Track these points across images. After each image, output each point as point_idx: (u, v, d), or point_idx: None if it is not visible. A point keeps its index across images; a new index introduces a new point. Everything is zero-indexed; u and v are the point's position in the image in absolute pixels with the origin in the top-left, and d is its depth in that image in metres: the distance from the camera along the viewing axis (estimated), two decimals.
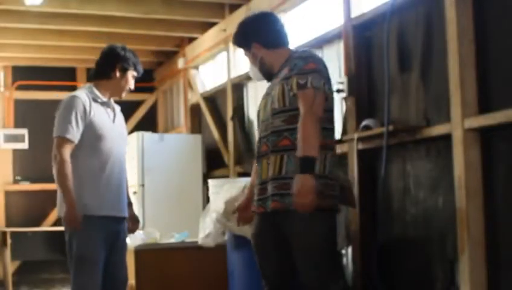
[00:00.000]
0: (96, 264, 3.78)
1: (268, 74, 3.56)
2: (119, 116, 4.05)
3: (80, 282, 3.79)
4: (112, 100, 4.02)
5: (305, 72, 3.28)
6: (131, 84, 4.01)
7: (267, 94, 3.50)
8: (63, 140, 3.75)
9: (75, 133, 3.76)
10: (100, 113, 3.87)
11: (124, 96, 4.03)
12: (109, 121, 3.92)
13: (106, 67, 3.95)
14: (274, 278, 3.41)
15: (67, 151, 3.75)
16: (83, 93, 3.87)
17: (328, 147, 3.33)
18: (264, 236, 3.41)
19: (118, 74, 3.94)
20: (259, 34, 3.53)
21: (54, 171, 3.77)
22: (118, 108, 4.07)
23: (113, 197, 3.89)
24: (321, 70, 3.32)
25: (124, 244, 4.02)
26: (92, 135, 3.81)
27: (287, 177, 3.24)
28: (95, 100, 3.88)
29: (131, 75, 3.98)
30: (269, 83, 3.56)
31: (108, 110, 3.96)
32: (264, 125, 3.44)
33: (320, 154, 3.21)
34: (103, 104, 3.92)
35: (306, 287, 3.29)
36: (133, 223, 4.13)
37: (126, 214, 3.99)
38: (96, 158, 3.83)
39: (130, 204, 4.11)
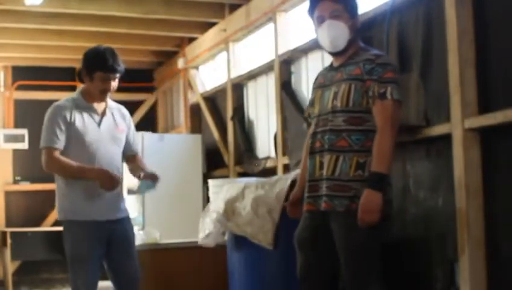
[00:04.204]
0: (85, 263, 3.84)
1: (339, 49, 3.41)
2: (108, 118, 4.02)
3: (72, 280, 3.88)
4: (104, 103, 4.02)
5: (385, 80, 3.25)
6: (106, 85, 3.91)
7: (325, 85, 3.43)
8: (51, 149, 3.91)
9: (60, 141, 3.90)
10: (82, 119, 3.92)
11: (105, 98, 4.00)
12: (94, 125, 3.94)
13: (81, 73, 3.99)
14: (312, 274, 3.40)
15: (57, 156, 3.90)
16: (64, 102, 3.97)
17: None
18: (310, 232, 3.40)
19: (87, 78, 3.94)
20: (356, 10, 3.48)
21: (56, 172, 3.93)
22: (114, 108, 4.07)
23: (97, 202, 3.91)
24: (398, 81, 3.31)
25: (125, 241, 4.03)
26: (74, 142, 3.90)
27: (339, 179, 3.25)
28: (78, 106, 3.93)
29: (99, 76, 3.89)
30: (318, 72, 3.52)
31: (94, 115, 3.97)
32: (320, 120, 3.39)
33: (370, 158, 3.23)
34: (86, 109, 3.95)
35: (345, 286, 3.29)
36: (151, 176, 4.03)
37: (117, 216, 3.99)
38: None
39: (143, 169, 4.07)
